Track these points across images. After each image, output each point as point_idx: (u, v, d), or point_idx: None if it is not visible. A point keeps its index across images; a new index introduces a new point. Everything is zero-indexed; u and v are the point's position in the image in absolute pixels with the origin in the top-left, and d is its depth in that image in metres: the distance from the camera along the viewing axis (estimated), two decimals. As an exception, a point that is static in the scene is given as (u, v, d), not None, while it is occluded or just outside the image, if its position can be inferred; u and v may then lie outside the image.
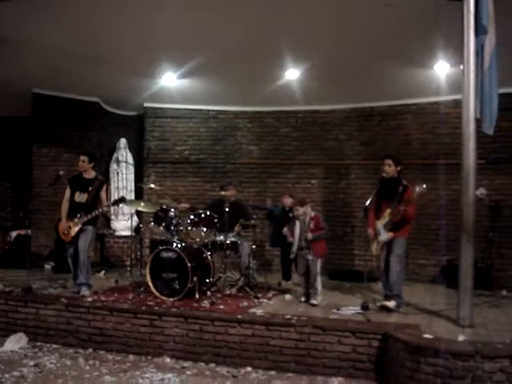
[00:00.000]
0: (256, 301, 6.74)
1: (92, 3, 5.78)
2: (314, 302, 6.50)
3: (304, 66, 7.55)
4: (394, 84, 8.16)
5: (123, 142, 10.45)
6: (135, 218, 9.62)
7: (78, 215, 6.92)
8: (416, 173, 8.27)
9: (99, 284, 7.71)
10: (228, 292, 7.19)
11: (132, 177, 10.47)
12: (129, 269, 8.35)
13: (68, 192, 7.15)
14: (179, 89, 9.02)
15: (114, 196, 9.89)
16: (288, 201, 7.90)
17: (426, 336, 5.01)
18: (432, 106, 8.76)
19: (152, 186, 8.13)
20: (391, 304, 6.12)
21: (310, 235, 6.49)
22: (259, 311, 6.16)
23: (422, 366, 4.73)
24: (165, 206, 7.50)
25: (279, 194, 9.59)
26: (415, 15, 5.70)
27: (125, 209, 9.74)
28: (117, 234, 10.16)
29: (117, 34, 6.62)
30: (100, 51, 7.21)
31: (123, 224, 10.06)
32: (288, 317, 5.84)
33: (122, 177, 10.33)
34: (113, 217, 10.25)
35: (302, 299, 6.72)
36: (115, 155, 10.40)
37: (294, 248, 6.68)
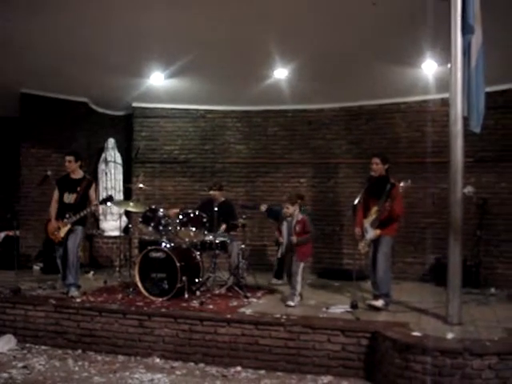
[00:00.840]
0: (245, 300, 6.74)
1: (80, 4, 5.74)
2: (290, 303, 6.42)
3: (292, 65, 7.54)
4: (382, 83, 8.18)
5: (111, 141, 10.39)
6: (124, 218, 9.61)
7: (67, 215, 6.88)
8: (404, 171, 8.26)
9: (88, 285, 7.66)
10: (217, 292, 7.17)
11: (121, 177, 10.41)
12: (118, 269, 8.31)
13: (56, 193, 7.12)
14: (167, 88, 8.98)
15: (103, 196, 9.84)
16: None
17: (415, 334, 5.04)
18: (420, 105, 8.81)
19: (141, 185, 8.09)
20: (379, 303, 6.14)
21: (294, 239, 6.47)
22: (248, 311, 6.16)
23: (411, 363, 4.77)
24: (153, 206, 7.46)
25: (268, 193, 9.66)
26: (403, 14, 5.71)
27: (114, 209, 9.69)
28: (106, 234, 10.09)
29: (104, 33, 6.57)
30: (88, 51, 7.15)
31: (112, 224, 10.01)
32: (277, 316, 5.85)
33: (111, 177, 10.27)
34: (101, 217, 10.19)
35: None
36: (103, 155, 10.33)
37: (282, 249, 6.68)
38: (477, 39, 5.33)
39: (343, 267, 9.13)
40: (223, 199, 7.90)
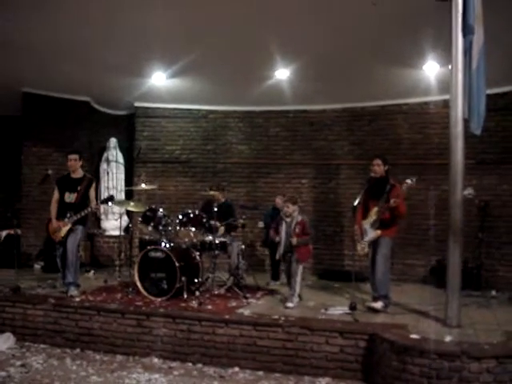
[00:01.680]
0: (244, 301, 6.72)
1: (81, 3, 5.74)
2: (288, 304, 6.41)
3: (293, 65, 7.53)
4: (383, 84, 8.16)
5: (113, 141, 10.39)
6: (125, 217, 9.62)
7: (68, 215, 6.87)
8: (406, 173, 8.18)
9: (88, 284, 7.67)
10: (217, 292, 7.16)
11: (122, 176, 10.42)
12: (118, 268, 8.31)
13: (56, 193, 7.10)
14: (169, 88, 8.99)
15: (104, 195, 9.85)
16: (280, 201, 7.86)
17: (413, 336, 5.02)
18: (422, 107, 8.80)
19: (144, 186, 8.08)
20: (378, 305, 6.12)
21: (294, 240, 6.45)
22: (247, 311, 6.14)
23: (409, 366, 4.75)
24: (153, 206, 7.46)
25: (269, 194, 9.63)
26: (404, 15, 5.69)
27: (115, 208, 9.69)
28: (107, 233, 10.10)
29: (106, 33, 6.58)
30: (89, 50, 7.16)
31: (113, 224, 10.01)
32: (275, 317, 5.83)
33: (113, 176, 10.27)
34: (103, 216, 10.20)
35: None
36: (105, 155, 10.34)
37: (281, 250, 6.65)
38: (478, 40, 5.29)
39: (344, 268, 9.11)
40: (223, 200, 7.89)
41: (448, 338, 4.92)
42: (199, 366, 5.76)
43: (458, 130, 5.38)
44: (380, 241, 6.20)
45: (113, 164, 10.28)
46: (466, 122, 5.39)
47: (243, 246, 7.53)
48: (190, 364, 5.81)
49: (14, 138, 10.12)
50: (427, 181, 8.44)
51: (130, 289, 6.97)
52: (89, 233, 9.75)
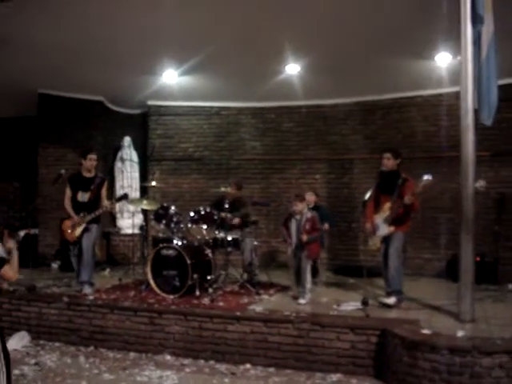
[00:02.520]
0: (257, 297, 6.71)
1: (94, 3, 5.78)
2: (301, 301, 6.38)
3: (304, 60, 7.50)
4: (396, 76, 8.08)
5: (127, 140, 10.46)
6: (140, 215, 9.66)
7: (81, 214, 6.91)
8: (420, 166, 8.14)
9: (103, 282, 7.73)
10: (229, 289, 7.16)
11: (137, 175, 10.48)
12: (132, 266, 8.36)
13: (69, 191, 7.13)
14: (181, 86, 9.01)
15: (119, 194, 9.91)
16: (312, 197, 7.78)
17: (424, 331, 4.95)
18: (436, 98, 8.67)
19: (154, 183, 8.11)
20: (391, 301, 6.05)
21: (304, 237, 6.41)
22: (259, 308, 6.12)
23: (420, 361, 4.68)
24: (165, 204, 7.48)
25: (283, 190, 9.61)
26: (415, 5, 5.62)
27: (130, 207, 9.75)
28: (122, 232, 10.17)
29: (118, 32, 6.62)
30: (103, 50, 7.23)
31: (129, 222, 10.06)
32: (287, 313, 5.80)
33: (127, 175, 10.34)
34: (118, 215, 10.27)
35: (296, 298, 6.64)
36: (120, 153, 10.41)
37: (292, 247, 6.62)
38: (487, 29, 5.20)
39: (359, 264, 9.02)
40: (236, 196, 7.89)
41: (460, 333, 4.84)
42: (211, 362, 5.76)
43: (468, 121, 5.30)
44: (393, 236, 6.13)
45: (127, 163, 10.34)
46: (478, 112, 5.32)
47: (256, 243, 7.51)
48: (202, 361, 5.80)
49: (30, 138, 10.24)
50: (442, 174, 8.28)
51: (143, 286, 7.00)
52: (105, 231, 9.85)
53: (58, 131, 9.87)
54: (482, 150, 7.76)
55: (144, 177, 10.27)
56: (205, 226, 7.18)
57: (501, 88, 5.36)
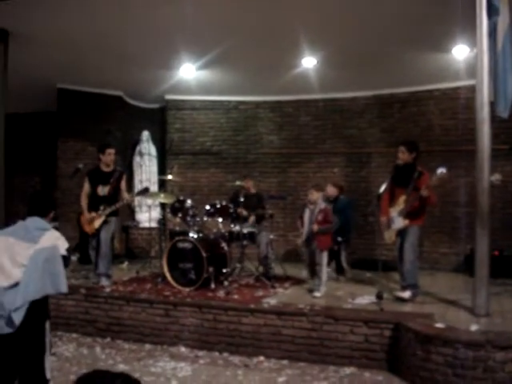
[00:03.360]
0: (272, 290, 6.72)
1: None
2: (316, 294, 6.38)
3: (321, 53, 7.46)
4: (413, 70, 8.00)
5: (146, 134, 10.55)
6: (158, 209, 9.74)
7: (102, 207, 6.99)
8: (438, 160, 8.06)
9: (121, 275, 7.82)
10: (245, 282, 7.19)
11: (155, 169, 10.58)
12: (149, 259, 8.44)
13: (87, 186, 7.21)
14: (199, 80, 9.04)
15: (138, 188, 10.02)
16: (332, 189, 7.75)
17: (438, 325, 4.93)
18: (454, 92, 8.58)
19: (170, 177, 8.16)
20: (406, 295, 6.01)
21: (315, 227, 6.40)
22: (273, 301, 6.14)
23: (433, 355, 4.66)
24: (181, 197, 7.53)
25: (301, 184, 9.59)
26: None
27: (148, 200, 9.84)
28: (141, 225, 10.27)
29: (137, 27, 6.65)
30: (120, 45, 7.29)
31: (147, 216, 10.16)
32: (301, 306, 5.81)
33: (146, 169, 10.44)
34: (137, 208, 10.37)
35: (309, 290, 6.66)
36: (138, 148, 10.50)
37: (303, 237, 6.61)
38: (503, 21, 5.14)
39: (376, 258, 8.98)
40: (254, 191, 7.92)
41: (474, 327, 4.81)
42: (225, 354, 5.80)
43: (484, 113, 5.25)
44: (408, 229, 6.09)
45: (146, 157, 10.44)
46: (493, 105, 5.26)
47: (272, 236, 7.53)
48: (217, 353, 5.85)
49: (50, 133, 10.38)
50: (460, 167, 8.24)
51: (160, 279, 7.07)
52: (123, 225, 9.95)
53: (78, 126, 9.97)
54: (500, 143, 7.69)
55: (162, 171, 10.33)
56: (220, 220, 7.22)
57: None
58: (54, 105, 9.98)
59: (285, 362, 5.55)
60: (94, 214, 7.01)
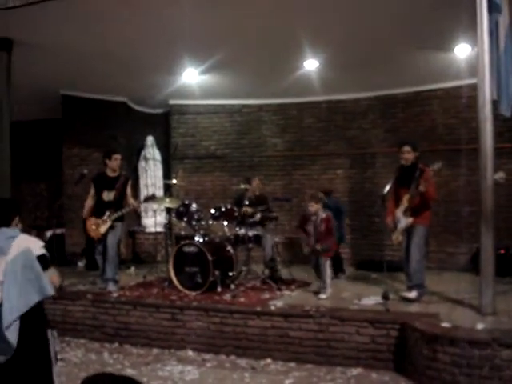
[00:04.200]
0: (278, 293, 6.73)
1: (114, 5, 5.86)
2: (321, 296, 6.39)
3: (323, 55, 7.46)
4: (416, 69, 7.98)
5: (150, 139, 10.59)
6: (164, 213, 9.77)
7: (107, 213, 7.02)
8: (443, 159, 8.02)
9: (128, 280, 7.84)
10: (251, 285, 7.20)
11: (160, 173, 10.61)
12: (156, 264, 8.47)
13: (93, 191, 7.25)
14: (202, 84, 9.06)
15: (143, 193, 10.06)
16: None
17: (444, 325, 4.93)
18: (457, 91, 8.54)
19: (174, 182, 8.18)
20: (412, 295, 6.02)
21: (318, 247, 6.44)
22: (279, 303, 6.15)
23: (440, 355, 4.67)
24: (186, 202, 7.56)
25: (305, 186, 9.60)
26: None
27: (154, 205, 9.86)
28: (147, 230, 10.30)
29: (140, 33, 6.67)
30: (123, 51, 7.31)
31: (153, 220, 10.19)
32: (307, 308, 5.81)
33: (151, 174, 10.48)
34: (143, 213, 10.40)
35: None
36: (143, 153, 10.55)
37: (308, 249, 6.63)
38: (504, 19, 5.14)
39: (382, 258, 8.98)
40: (258, 193, 7.93)
41: (480, 326, 4.80)
42: (232, 357, 5.82)
43: (486, 112, 5.24)
44: (414, 229, 6.10)
45: (150, 162, 10.48)
46: (497, 103, 5.26)
47: (277, 239, 7.54)
48: (224, 356, 5.87)
49: (55, 140, 10.42)
50: (465, 166, 8.21)
51: (166, 283, 7.09)
52: (130, 230, 10.00)
53: (82, 132, 10.01)
54: (503, 141, 7.69)
55: (167, 175, 10.37)
56: (226, 223, 7.24)
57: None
58: (58, 112, 10.02)
59: (292, 364, 5.56)
60: (99, 221, 7.04)
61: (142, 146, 10.61)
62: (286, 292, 6.83)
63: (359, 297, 6.33)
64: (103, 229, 7.05)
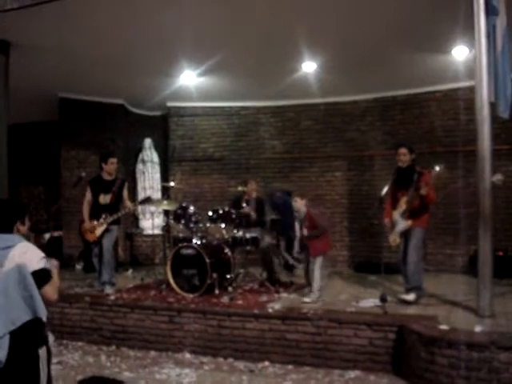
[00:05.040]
0: (276, 296, 6.71)
1: (111, 6, 5.86)
2: (306, 299, 6.31)
3: (321, 57, 7.47)
4: (414, 71, 8.00)
5: (148, 142, 10.60)
6: (162, 216, 9.76)
7: (104, 216, 7.01)
8: (442, 161, 8.04)
9: (125, 282, 7.83)
10: (249, 287, 7.18)
11: (158, 176, 10.60)
12: (154, 266, 8.45)
13: (89, 194, 7.24)
14: (200, 87, 9.05)
15: (141, 195, 10.04)
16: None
17: (442, 327, 4.91)
18: (455, 93, 8.55)
19: (172, 184, 8.17)
20: (410, 297, 6.01)
21: (305, 231, 6.43)
22: (277, 306, 6.13)
23: (437, 357, 4.65)
24: (184, 204, 7.55)
25: (304, 188, 9.57)
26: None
27: (152, 208, 9.86)
28: (145, 232, 10.29)
29: (138, 35, 6.64)
30: (120, 53, 7.30)
31: (151, 223, 10.17)
32: (304, 311, 5.80)
33: (148, 176, 10.47)
34: (141, 216, 10.39)
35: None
36: (141, 155, 10.54)
37: (297, 246, 6.62)
38: (501, 21, 5.14)
39: (380, 260, 8.96)
40: (255, 195, 7.92)
41: (478, 328, 4.78)
42: (230, 360, 5.80)
43: (483, 114, 5.24)
44: (411, 231, 6.09)
45: (148, 164, 10.48)
46: (494, 105, 5.26)
47: (275, 241, 7.52)
48: (221, 359, 5.85)
49: (53, 142, 10.41)
50: (464, 168, 8.21)
51: (164, 286, 7.08)
52: (128, 232, 9.99)
53: (80, 135, 10.00)
54: (501, 143, 7.69)
55: (165, 178, 10.36)
56: (223, 225, 7.23)
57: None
58: (56, 114, 10.02)
59: (290, 366, 5.54)
60: (95, 223, 7.03)
61: (139, 149, 10.61)
62: (284, 295, 6.80)
63: (357, 299, 6.33)
64: (98, 232, 7.04)
